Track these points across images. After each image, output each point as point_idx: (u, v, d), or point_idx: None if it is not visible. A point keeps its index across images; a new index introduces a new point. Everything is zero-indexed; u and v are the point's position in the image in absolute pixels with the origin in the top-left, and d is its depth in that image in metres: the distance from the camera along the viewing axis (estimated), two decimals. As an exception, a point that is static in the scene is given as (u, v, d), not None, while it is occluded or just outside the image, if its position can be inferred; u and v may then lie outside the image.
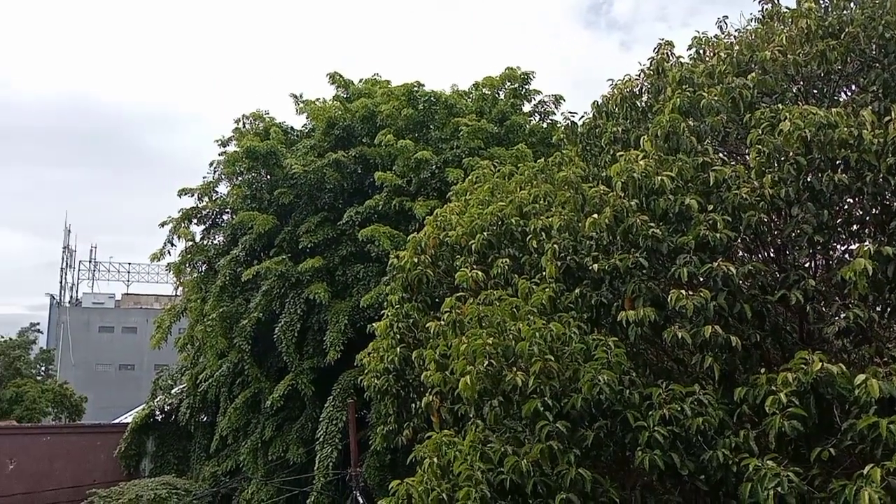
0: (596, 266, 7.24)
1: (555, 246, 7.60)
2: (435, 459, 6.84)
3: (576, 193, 8.32)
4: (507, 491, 6.22)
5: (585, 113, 10.13)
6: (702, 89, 8.53)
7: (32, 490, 20.52)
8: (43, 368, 46.19)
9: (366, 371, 10.33)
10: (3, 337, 43.07)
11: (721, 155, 8.50)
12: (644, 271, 7.12)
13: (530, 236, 8.27)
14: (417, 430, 9.78)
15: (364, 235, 15.94)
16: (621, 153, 7.97)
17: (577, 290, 7.39)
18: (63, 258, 72.84)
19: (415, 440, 9.91)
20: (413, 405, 9.79)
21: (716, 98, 8.22)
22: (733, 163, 8.11)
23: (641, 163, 7.51)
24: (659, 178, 7.31)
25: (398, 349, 9.56)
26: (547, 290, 7.32)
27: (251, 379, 17.99)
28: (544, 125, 19.12)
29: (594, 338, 6.78)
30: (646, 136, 8.27)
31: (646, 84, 9.64)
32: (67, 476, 21.57)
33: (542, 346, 6.42)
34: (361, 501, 13.45)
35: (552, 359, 6.36)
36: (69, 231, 73.67)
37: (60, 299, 71.47)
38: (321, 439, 15.98)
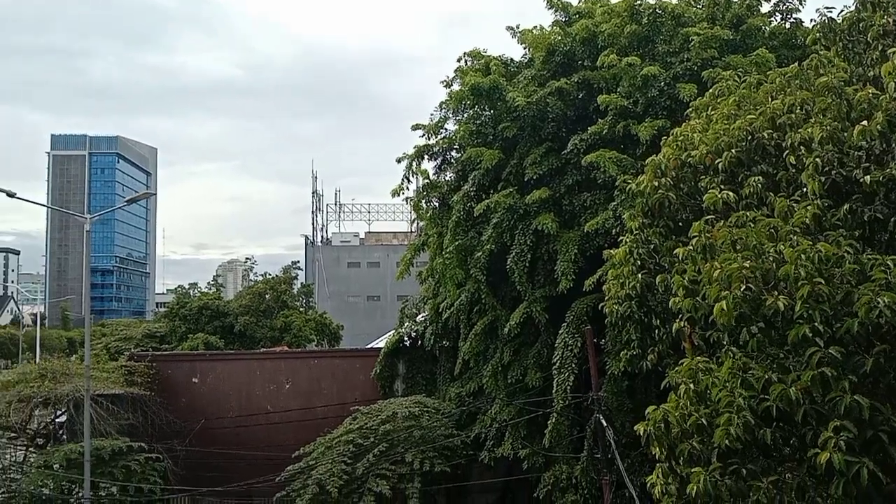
0: (868, 178, 6.58)
1: (817, 160, 6.98)
2: (691, 385, 6.77)
3: (839, 99, 7.53)
4: (773, 418, 6.01)
5: (845, 7, 8.99)
6: None
7: (305, 406, 23.45)
8: (304, 301, 52.01)
9: (606, 298, 10.35)
10: (270, 274, 49.27)
11: None
12: (927, 181, 6.33)
13: (787, 151, 7.64)
14: (662, 356, 9.70)
15: (588, 161, 15.70)
16: (893, 49, 7.03)
17: (845, 206, 6.78)
18: (312, 202, 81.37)
19: (659, 366, 9.85)
20: (656, 331, 9.69)
21: None
22: None
23: (921, 57, 6.58)
24: (945, 72, 6.38)
25: (639, 275, 9.45)
26: (810, 207, 6.78)
27: (488, 307, 18.84)
28: (787, 26, 17.23)
29: (869, 256, 6.20)
30: (926, 25, 7.20)
31: (924, -37, 8.29)
32: (333, 394, 24.39)
33: (809, 269, 6.00)
34: (605, 424, 13.71)
35: (822, 282, 5.93)
36: (316, 177, 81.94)
37: (313, 239, 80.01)
38: (557, 364, 16.37)
